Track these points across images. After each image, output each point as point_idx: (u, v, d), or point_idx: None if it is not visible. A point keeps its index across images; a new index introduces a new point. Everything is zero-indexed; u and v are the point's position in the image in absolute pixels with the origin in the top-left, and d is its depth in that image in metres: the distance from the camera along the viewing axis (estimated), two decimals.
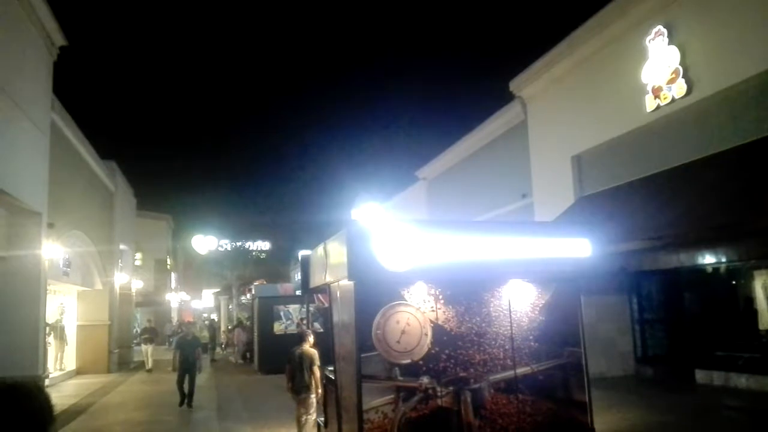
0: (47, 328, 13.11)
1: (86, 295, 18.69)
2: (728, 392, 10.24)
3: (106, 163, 20.10)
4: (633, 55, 10.87)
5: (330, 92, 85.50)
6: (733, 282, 11.57)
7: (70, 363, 17.89)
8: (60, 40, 11.45)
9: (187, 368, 11.81)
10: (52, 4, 10.61)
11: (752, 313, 10.93)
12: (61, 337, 17.52)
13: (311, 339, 8.06)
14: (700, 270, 11.56)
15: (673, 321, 12.40)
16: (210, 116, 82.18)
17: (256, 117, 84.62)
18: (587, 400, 6.07)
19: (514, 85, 14.27)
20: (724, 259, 10.70)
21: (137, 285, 26.23)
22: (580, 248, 6.04)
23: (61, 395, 12.54)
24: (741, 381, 10.38)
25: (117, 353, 19.97)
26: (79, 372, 17.79)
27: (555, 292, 6.08)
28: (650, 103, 10.52)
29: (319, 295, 16.59)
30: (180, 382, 11.79)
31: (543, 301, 6.06)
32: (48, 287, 11.65)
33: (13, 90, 9.16)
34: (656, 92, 10.39)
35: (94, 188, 18.81)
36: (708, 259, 11.03)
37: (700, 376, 11.05)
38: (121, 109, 73.93)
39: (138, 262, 28.63)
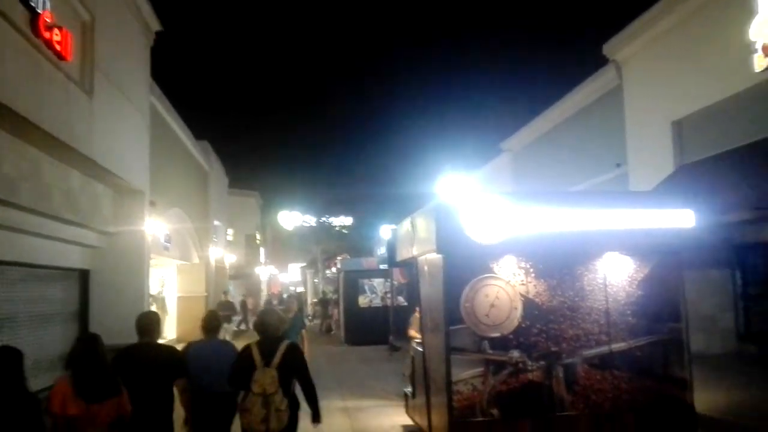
0: (150, 300, 13.99)
1: (184, 268, 19.81)
2: None
3: (201, 144, 21.04)
4: (739, 10, 10.03)
5: (413, 63, 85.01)
6: None
7: (171, 332, 19.08)
8: (156, 25, 11.97)
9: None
10: None
11: None
12: (163, 308, 18.73)
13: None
14: None
15: None
16: (293, 93, 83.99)
17: (338, 92, 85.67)
18: (688, 378, 5.81)
19: (608, 48, 13.57)
20: None
21: (230, 259, 27.46)
22: (682, 219, 5.73)
23: None
24: None
25: None
26: (179, 340, 18.93)
27: (656, 266, 5.82)
28: (759, 63, 9.68)
29: (396, 272, 16.84)
30: None
31: (642, 275, 5.82)
32: (150, 261, 12.39)
33: (116, 76, 9.71)
34: (766, 50, 9.56)
35: (190, 168, 19.77)
36: None
37: None
38: (208, 89, 76.90)
39: (230, 238, 29.93)
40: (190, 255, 19.49)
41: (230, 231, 30.07)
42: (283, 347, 4.69)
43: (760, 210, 8.79)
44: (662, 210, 5.80)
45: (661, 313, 5.83)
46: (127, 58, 10.68)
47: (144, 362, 4.68)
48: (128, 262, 10.67)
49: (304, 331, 9.47)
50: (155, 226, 12.38)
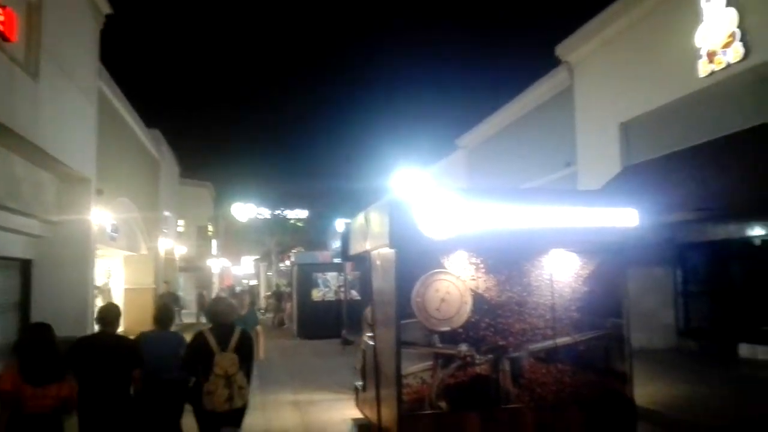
0: (96, 291, 13.59)
1: (132, 259, 19.30)
2: None
3: (151, 132, 20.52)
4: (686, 17, 10.42)
5: (370, 58, 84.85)
6: None
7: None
8: (106, 8, 11.59)
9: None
10: None
11: None
12: (109, 300, 18.16)
13: None
14: (748, 242, 11.21)
15: (718, 294, 12.09)
16: (249, 84, 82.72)
17: (295, 84, 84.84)
18: (628, 372, 6.00)
19: (561, 50, 13.87)
20: None
21: (180, 251, 26.90)
22: (627, 218, 5.90)
23: None
24: None
25: None
26: (126, 332, 18.44)
27: (600, 263, 5.98)
28: (704, 68, 10.09)
29: (349, 266, 16.86)
30: None
31: (587, 272, 5.97)
32: (96, 251, 12.03)
33: (62, 58, 9.36)
34: (711, 57, 9.96)
35: (140, 156, 19.26)
36: (757, 231, 10.67)
37: (744, 350, 10.80)
38: (162, 77, 74.96)
39: (181, 229, 29.33)
40: (137, 246, 19.00)
41: (181, 222, 29.46)
42: (237, 333, 5.24)
43: (701, 210, 9.15)
44: (608, 209, 5.96)
45: (605, 309, 5.99)
46: (75, 41, 10.33)
47: (104, 351, 4.98)
48: (73, 252, 10.35)
49: (259, 327, 9.29)
50: (102, 215, 12.02)
